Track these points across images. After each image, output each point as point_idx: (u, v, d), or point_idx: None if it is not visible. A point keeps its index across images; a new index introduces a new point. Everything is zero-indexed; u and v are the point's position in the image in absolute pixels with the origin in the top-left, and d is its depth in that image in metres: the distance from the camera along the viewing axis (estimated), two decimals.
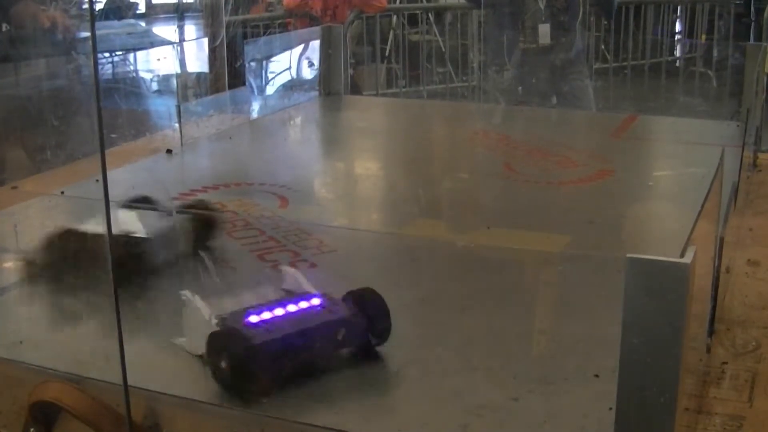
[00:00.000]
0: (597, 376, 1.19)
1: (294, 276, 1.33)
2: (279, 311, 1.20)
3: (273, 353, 1.15)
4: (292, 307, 1.22)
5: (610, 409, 0.96)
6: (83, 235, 1.46)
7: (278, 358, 1.15)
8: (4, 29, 4.13)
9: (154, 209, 1.62)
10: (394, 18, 7.58)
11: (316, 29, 3.16)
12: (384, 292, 1.46)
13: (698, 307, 1.17)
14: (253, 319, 1.18)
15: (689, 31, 8.08)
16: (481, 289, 1.53)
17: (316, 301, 1.24)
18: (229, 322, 1.18)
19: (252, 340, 1.14)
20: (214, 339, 1.16)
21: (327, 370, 1.21)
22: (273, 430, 1.11)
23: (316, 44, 3.07)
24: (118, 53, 5.82)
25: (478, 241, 1.71)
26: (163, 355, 1.27)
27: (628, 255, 0.90)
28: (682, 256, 0.91)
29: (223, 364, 1.14)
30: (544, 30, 4.17)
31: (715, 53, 7.42)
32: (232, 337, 1.15)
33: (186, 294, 1.25)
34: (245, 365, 1.13)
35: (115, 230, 1.16)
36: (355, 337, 1.23)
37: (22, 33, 4.10)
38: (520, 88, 4.30)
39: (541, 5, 4.16)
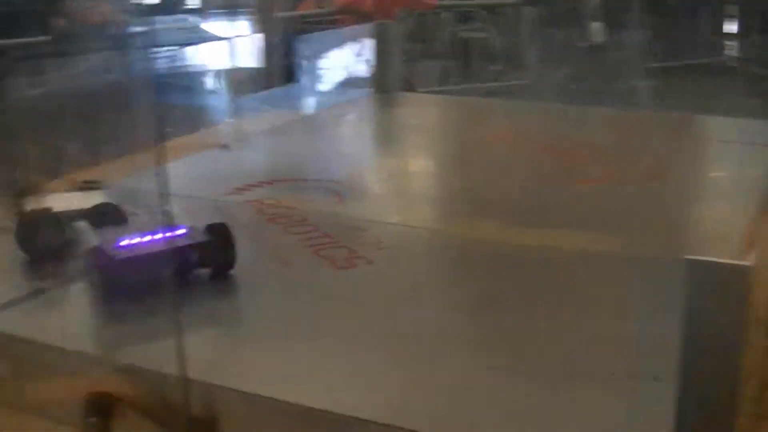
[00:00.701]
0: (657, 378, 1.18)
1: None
2: (147, 238, 1.47)
3: (133, 267, 1.43)
4: (158, 236, 1.48)
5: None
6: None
7: (138, 272, 1.43)
8: (59, 25, 4.19)
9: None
10: (447, 15, 7.57)
11: (369, 26, 3.15)
12: (439, 290, 1.47)
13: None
14: (124, 243, 1.46)
15: (746, 31, 7.99)
16: (535, 289, 1.53)
17: (180, 232, 1.50)
18: (102, 246, 1.48)
19: (115, 258, 1.44)
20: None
21: (184, 286, 1.46)
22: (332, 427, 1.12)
23: (369, 41, 3.07)
24: (172, 48, 5.88)
25: (534, 241, 1.71)
26: None
27: (687, 257, 0.89)
28: (743, 257, 0.90)
29: (96, 278, 1.47)
30: (597, 28, 4.14)
31: None
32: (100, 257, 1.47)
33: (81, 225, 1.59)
34: (109, 278, 1.45)
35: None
36: (206, 260, 1.50)
37: (76, 29, 4.16)
38: (573, 86, 4.28)
39: (595, 3, 4.14)
